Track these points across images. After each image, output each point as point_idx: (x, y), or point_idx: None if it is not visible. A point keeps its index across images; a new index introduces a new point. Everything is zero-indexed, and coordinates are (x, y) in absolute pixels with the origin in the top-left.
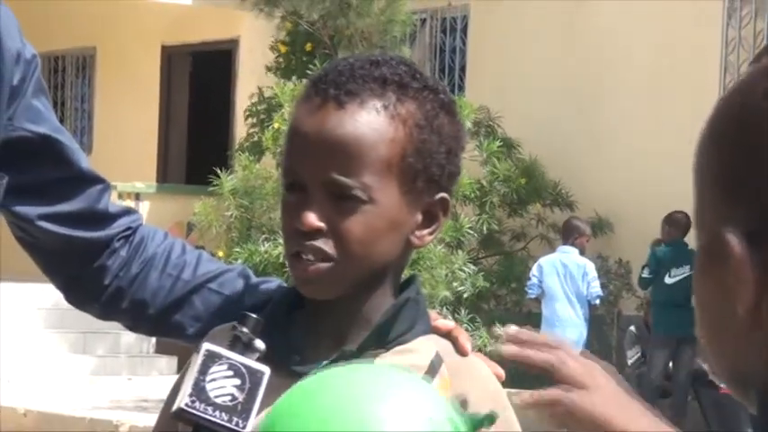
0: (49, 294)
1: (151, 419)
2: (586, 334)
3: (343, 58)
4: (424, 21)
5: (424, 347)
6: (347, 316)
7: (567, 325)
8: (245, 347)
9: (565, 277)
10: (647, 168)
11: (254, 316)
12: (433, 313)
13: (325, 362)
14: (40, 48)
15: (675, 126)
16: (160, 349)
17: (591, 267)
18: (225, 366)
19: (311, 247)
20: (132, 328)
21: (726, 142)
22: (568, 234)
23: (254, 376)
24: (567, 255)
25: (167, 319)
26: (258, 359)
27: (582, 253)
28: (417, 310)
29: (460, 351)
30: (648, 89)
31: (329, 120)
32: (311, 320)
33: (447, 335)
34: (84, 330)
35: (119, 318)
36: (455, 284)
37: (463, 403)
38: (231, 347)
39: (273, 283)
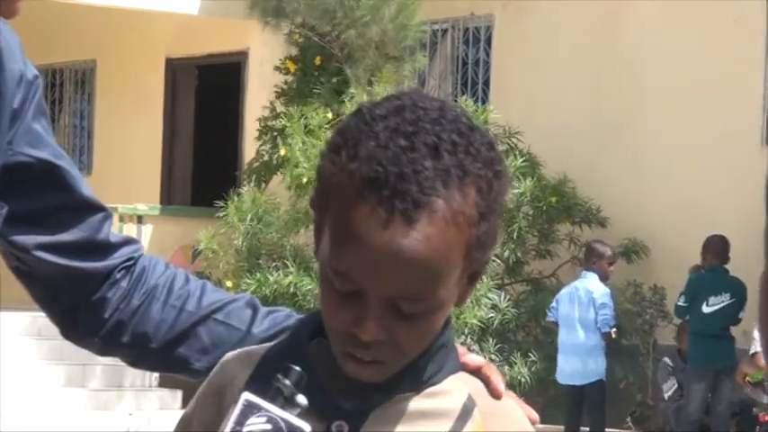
0: (46, 324)
1: None
2: (604, 364)
3: (391, 131)
4: (445, 31)
5: (455, 388)
6: None
7: (571, 352)
8: (286, 401)
9: (574, 303)
10: (686, 188)
11: (297, 369)
12: (460, 348)
13: (352, 404)
14: (36, 60)
15: (716, 143)
16: (163, 382)
17: (601, 293)
18: (264, 419)
19: (368, 353)
20: (133, 363)
21: None
22: (587, 258)
23: None
24: (582, 280)
25: (171, 353)
26: (299, 415)
27: (604, 278)
28: (449, 347)
29: (494, 393)
30: (687, 103)
31: (398, 240)
32: (333, 358)
33: (476, 372)
34: (83, 362)
35: (119, 353)
36: (480, 313)
37: None
38: (272, 400)
39: (283, 312)
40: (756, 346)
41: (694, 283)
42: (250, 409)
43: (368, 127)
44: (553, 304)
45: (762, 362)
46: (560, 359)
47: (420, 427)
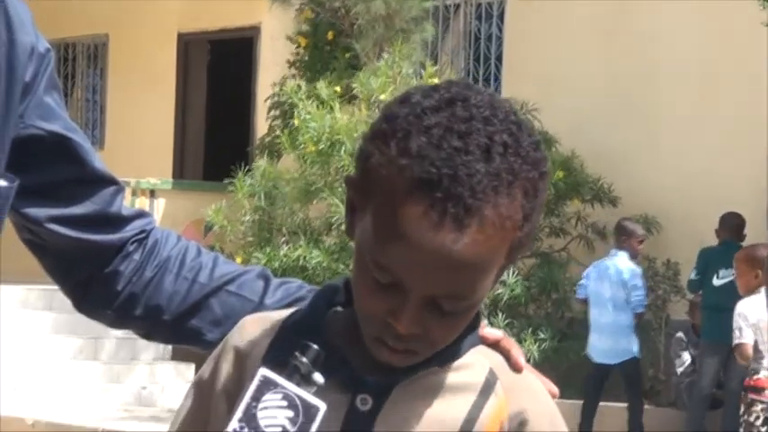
0: (58, 297)
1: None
2: (636, 342)
3: (445, 129)
4: (458, 6)
5: (476, 362)
6: None
7: (602, 331)
8: (303, 379)
9: (604, 282)
10: (699, 163)
11: (314, 347)
12: None
13: (374, 378)
14: (48, 35)
15: (730, 118)
16: (176, 356)
17: (633, 274)
18: (279, 396)
19: (402, 344)
20: (147, 336)
21: None
22: (616, 236)
23: (309, 411)
24: (613, 258)
25: (184, 325)
26: (315, 393)
27: (633, 257)
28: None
29: (514, 366)
30: (700, 79)
31: (448, 244)
32: (352, 329)
33: (495, 345)
34: (96, 336)
35: (132, 325)
36: None
37: (523, 422)
38: (288, 377)
39: (295, 283)
40: (740, 337)
41: (705, 256)
42: (266, 385)
43: (418, 120)
44: (582, 281)
45: (748, 352)
46: (593, 337)
47: (444, 401)
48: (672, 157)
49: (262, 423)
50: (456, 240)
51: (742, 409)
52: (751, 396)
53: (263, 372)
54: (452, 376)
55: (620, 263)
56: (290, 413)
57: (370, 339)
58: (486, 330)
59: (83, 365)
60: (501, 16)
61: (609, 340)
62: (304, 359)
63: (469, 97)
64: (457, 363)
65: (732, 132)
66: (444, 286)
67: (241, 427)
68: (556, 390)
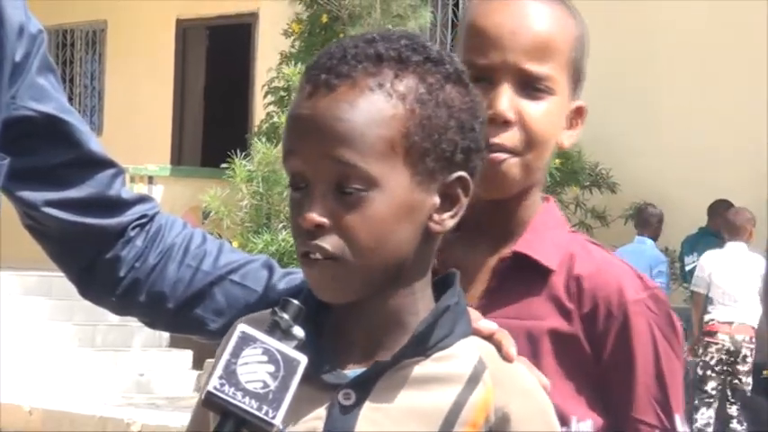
0: (57, 284)
1: (164, 417)
2: None
3: (338, 41)
4: None
5: (465, 352)
6: (378, 318)
7: None
8: (284, 334)
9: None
10: (698, 150)
11: (295, 302)
12: (473, 312)
13: (356, 372)
14: (46, 21)
15: (729, 103)
16: (174, 343)
17: (659, 262)
18: (259, 351)
19: (316, 246)
20: (150, 323)
21: None
22: (638, 222)
23: (290, 364)
24: (639, 245)
25: (187, 314)
26: (296, 347)
27: (656, 239)
28: (457, 311)
29: (505, 357)
30: (698, 66)
31: (319, 105)
32: (340, 322)
33: (489, 338)
34: (94, 323)
35: (136, 312)
36: None
37: (505, 416)
38: (269, 333)
39: (299, 274)
40: (695, 285)
41: (687, 244)
42: (245, 341)
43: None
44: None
45: (698, 299)
46: None
47: (428, 392)
48: (671, 143)
49: (242, 379)
50: (326, 98)
51: (700, 351)
52: (706, 339)
53: (242, 328)
54: (438, 366)
55: (647, 250)
56: (271, 368)
57: (300, 261)
58: (481, 323)
59: (80, 352)
60: None
61: None
62: (285, 314)
63: (394, 31)
64: (444, 353)
65: (732, 119)
66: (328, 153)
67: (221, 384)
68: (546, 381)
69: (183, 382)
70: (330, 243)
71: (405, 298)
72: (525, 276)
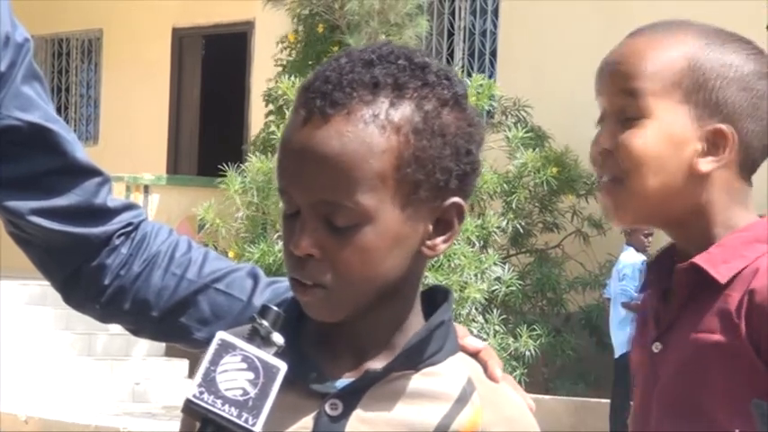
0: (52, 293)
1: (159, 426)
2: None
3: (335, 59)
4: (452, 1)
5: (454, 370)
6: (366, 329)
7: (612, 326)
8: (263, 341)
9: (613, 277)
10: None
11: (275, 308)
12: (460, 329)
13: (347, 382)
14: (42, 30)
15: None
16: (170, 352)
17: (625, 264)
18: (238, 358)
19: (307, 274)
20: (134, 331)
21: None
22: (624, 231)
23: (270, 371)
24: (622, 254)
25: (172, 322)
26: (276, 354)
27: (642, 250)
28: (449, 327)
29: (490, 377)
30: None
31: (314, 136)
32: (328, 332)
33: (475, 355)
34: (90, 332)
35: (120, 320)
36: (483, 286)
37: None
38: (249, 340)
39: (284, 283)
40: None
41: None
42: (224, 348)
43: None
44: (608, 280)
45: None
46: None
47: (417, 407)
48: None
49: (221, 387)
50: (320, 128)
51: None
52: None
53: (221, 335)
54: (427, 382)
55: (624, 257)
56: (251, 375)
57: (292, 287)
58: (467, 340)
59: (78, 361)
60: (495, 12)
61: (614, 334)
62: (264, 321)
63: (393, 49)
64: (433, 369)
65: None
66: (320, 186)
67: (201, 393)
68: (532, 403)
69: (179, 391)
70: (320, 272)
71: (395, 312)
72: (698, 289)
